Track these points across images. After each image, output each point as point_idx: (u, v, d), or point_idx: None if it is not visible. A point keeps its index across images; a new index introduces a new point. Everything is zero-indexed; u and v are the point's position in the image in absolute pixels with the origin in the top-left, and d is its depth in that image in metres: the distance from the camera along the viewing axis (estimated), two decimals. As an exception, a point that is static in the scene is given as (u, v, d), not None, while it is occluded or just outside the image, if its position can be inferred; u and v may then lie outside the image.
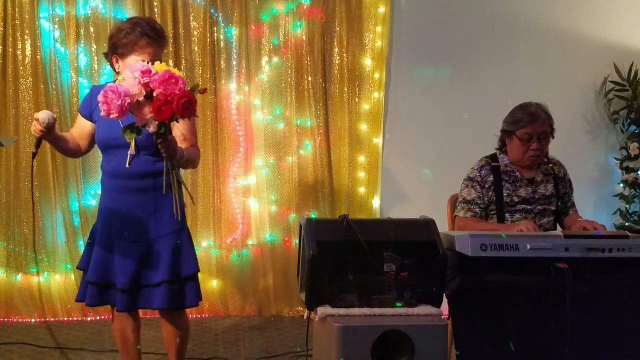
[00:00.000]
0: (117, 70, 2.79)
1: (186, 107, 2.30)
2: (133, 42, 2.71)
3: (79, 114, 2.91)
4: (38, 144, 2.69)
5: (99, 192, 4.32)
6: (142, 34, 2.71)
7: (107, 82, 2.68)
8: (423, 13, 4.60)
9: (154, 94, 2.29)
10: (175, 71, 2.34)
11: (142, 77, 2.28)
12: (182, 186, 2.63)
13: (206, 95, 4.30)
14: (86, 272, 2.85)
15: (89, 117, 2.85)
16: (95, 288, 2.80)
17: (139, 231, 2.76)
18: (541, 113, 2.98)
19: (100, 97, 2.29)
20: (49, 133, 2.62)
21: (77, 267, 2.98)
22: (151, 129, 2.34)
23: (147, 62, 2.52)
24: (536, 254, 2.42)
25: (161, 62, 2.43)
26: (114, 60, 2.80)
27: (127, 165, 2.70)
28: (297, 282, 2.64)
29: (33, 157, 2.71)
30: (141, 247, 2.76)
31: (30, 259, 4.34)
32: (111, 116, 2.28)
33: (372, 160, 4.59)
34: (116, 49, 2.76)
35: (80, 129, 2.87)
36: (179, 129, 2.75)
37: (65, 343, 3.86)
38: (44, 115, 2.60)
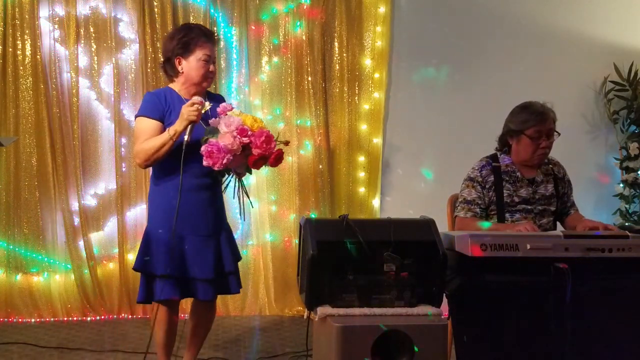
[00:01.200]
0: (181, 72, 2.99)
1: (278, 160, 2.88)
2: (196, 39, 2.98)
3: (146, 119, 2.94)
4: (192, 130, 2.84)
5: (99, 192, 4.39)
6: (201, 33, 3.01)
7: (163, 88, 3.08)
8: (423, 13, 4.61)
9: (253, 152, 2.79)
10: (260, 122, 2.86)
11: (242, 137, 2.76)
12: (245, 193, 3.01)
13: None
14: (146, 272, 2.94)
15: (161, 119, 2.95)
16: (174, 281, 2.91)
17: (208, 225, 3.00)
18: (548, 110, 3.00)
19: (203, 151, 2.76)
20: None
21: (133, 268, 3.03)
22: (239, 171, 2.89)
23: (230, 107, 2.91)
24: (536, 254, 2.41)
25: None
26: (176, 62, 2.99)
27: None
28: (297, 282, 2.64)
29: (186, 146, 2.80)
30: (213, 240, 3.00)
31: (30, 259, 4.36)
32: (215, 168, 2.76)
33: (372, 160, 4.59)
34: (178, 50, 2.97)
35: (156, 132, 2.92)
36: None
37: (65, 343, 3.86)
38: (199, 98, 2.85)
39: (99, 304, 4.39)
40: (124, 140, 4.37)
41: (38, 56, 4.28)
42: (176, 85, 3.04)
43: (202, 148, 2.77)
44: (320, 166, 4.52)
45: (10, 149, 4.27)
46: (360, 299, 2.37)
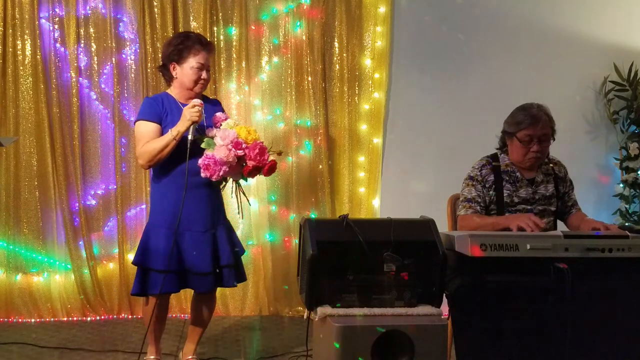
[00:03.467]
0: (175, 77, 3.15)
1: (271, 170, 3.09)
2: (190, 47, 3.10)
3: (146, 122, 3.08)
4: (194, 130, 2.98)
5: (99, 192, 4.40)
6: (196, 41, 3.13)
7: (161, 93, 3.24)
8: (423, 13, 4.60)
9: (247, 164, 3.00)
10: (253, 133, 3.04)
11: (237, 150, 2.95)
12: (243, 193, 3.21)
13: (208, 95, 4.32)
14: (143, 266, 3.08)
15: (159, 122, 3.09)
16: (174, 276, 3.07)
17: (206, 221, 3.13)
18: (542, 115, 2.97)
19: (201, 164, 2.95)
20: None
21: (132, 262, 3.17)
22: (232, 180, 3.07)
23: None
24: (536, 254, 2.42)
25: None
26: (171, 67, 3.14)
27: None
28: (297, 282, 2.64)
29: (190, 145, 2.95)
30: (209, 235, 3.13)
31: (30, 259, 4.36)
32: (212, 179, 2.97)
33: (372, 160, 4.58)
34: (174, 56, 3.12)
35: (156, 134, 3.07)
36: None
37: (65, 343, 3.86)
38: (199, 101, 2.99)
39: (99, 304, 4.39)
40: (124, 141, 4.38)
41: (38, 56, 4.28)
42: (173, 90, 3.20)
43: (200, 161, 2.95)
44: (320, 166, 4.52)
45: (10, 149, 4.27)
46: (360, 299, 2.38)
